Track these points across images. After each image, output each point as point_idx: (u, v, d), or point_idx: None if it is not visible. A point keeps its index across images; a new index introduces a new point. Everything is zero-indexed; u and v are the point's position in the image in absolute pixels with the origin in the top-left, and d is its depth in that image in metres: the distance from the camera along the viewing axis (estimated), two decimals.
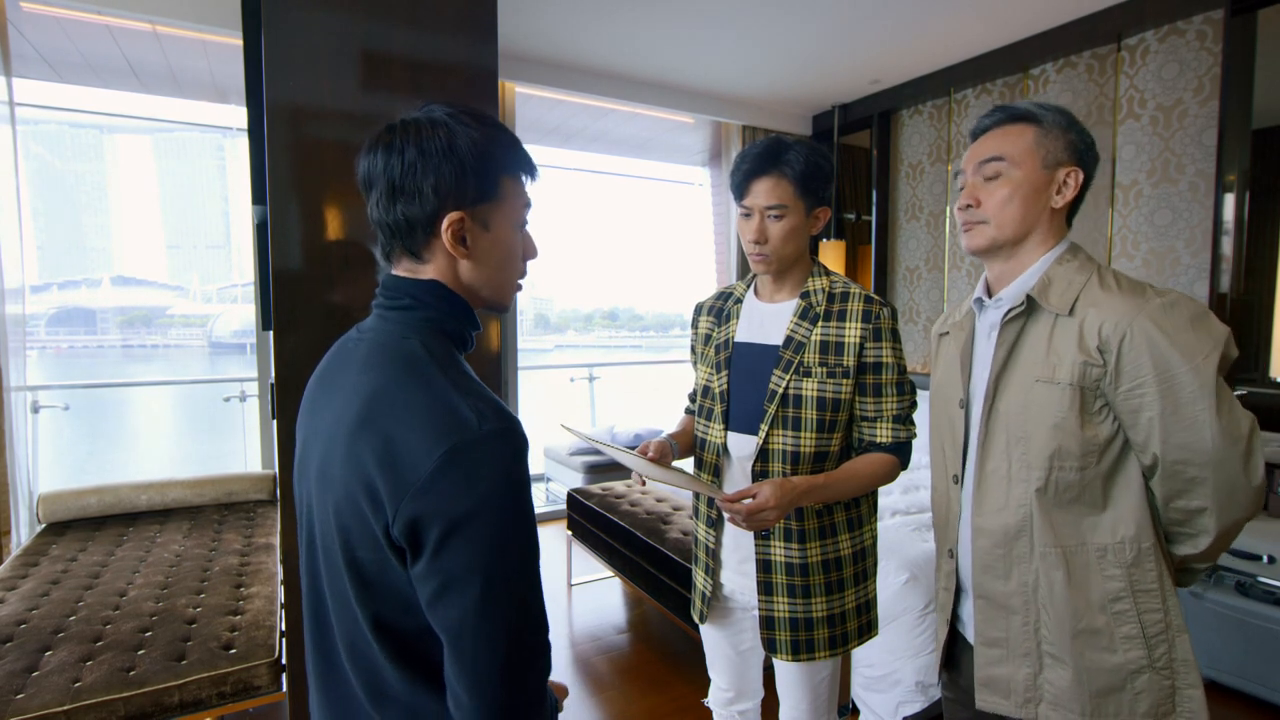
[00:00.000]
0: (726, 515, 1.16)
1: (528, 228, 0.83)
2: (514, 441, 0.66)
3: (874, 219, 4.44)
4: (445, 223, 0.72)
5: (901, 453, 1.26)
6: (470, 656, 0.65)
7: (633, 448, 4.48)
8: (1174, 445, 0.91)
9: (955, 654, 1.18)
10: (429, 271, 0.76)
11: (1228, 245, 2.68)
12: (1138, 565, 0.96)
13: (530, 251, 0.84)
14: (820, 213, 1.26)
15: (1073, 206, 1.05)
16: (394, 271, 0.78)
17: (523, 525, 0.66)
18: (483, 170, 0.73)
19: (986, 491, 1.04)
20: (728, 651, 1.40)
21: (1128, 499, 0.98)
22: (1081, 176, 1.02)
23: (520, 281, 0.84)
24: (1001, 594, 1.03)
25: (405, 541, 0.64)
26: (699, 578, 1.40)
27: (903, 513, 2.65)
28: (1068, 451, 0.97)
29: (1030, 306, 1.02)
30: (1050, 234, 1.04)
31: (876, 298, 1.25)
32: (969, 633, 1.12)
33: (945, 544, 1.15)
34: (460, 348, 0.79)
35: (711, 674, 1.46)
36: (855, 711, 2.14)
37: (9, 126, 2.74)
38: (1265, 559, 2.22)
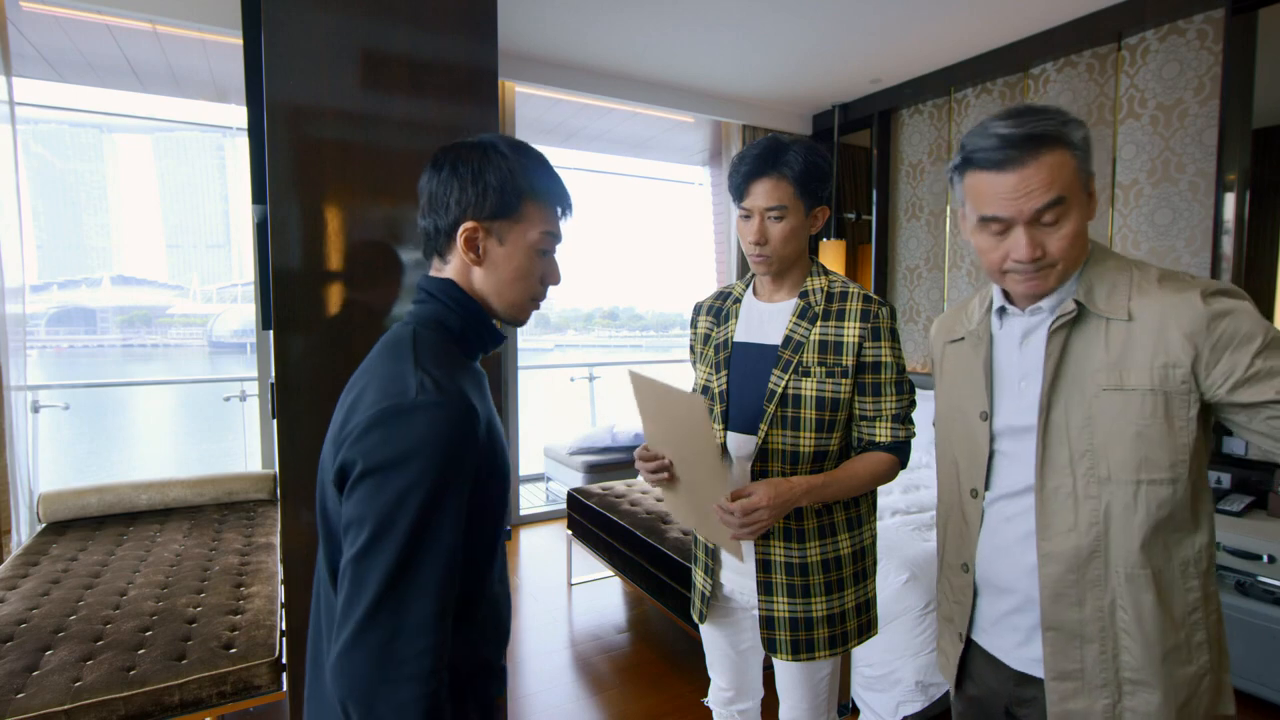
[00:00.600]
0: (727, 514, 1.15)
1: (553, 255, 0.90)
2: (445, 415, 0.70)
3: (874, 218, 4.44)
4: (461, 230, 0.83)
5: (901, 452, 1.25)
6: (342, 606, 0.68)
7: (635, 448, 4.48)
8: None
9: (967, 663, 1.13)
10: (447, 272, 0.87)
11: (1228, 245, 2.67)
12: (1210, 570, 0.94)
13: (551, 276, 0.90)
14: (819, 212, 1.26)
15: None
16: (430, 272, 0.89)
17: (433, 502, 0.68)
18: (504, 189, 0.83)
19: (1053, 512, 0.97)
20: (727, 651, 1.40)
21: (1207, 504, 0.94)
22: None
23: (537, 302, 0.92)
24: (1076, 622, 0.96)
25: (338, 481, 0.73)
26: (698, 577, 1.40)
27: (903, 512, 2.65)
28: (1155, 462, 0.90)
29: (1080, 313, 0.96)
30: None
31: (875, 297, 1.25)
32: (985, 642, 1.08)
33: (959, 558, 1.11)
34: (463, 346, 0.85)
35: (711, 673, 1.46)
36: (855, 711, 2.14)
37: (9, 126, 2.74)
38: (1265, 559, 2.22)
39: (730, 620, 1.38)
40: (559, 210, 0.89)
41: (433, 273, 0.88)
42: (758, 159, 1.22)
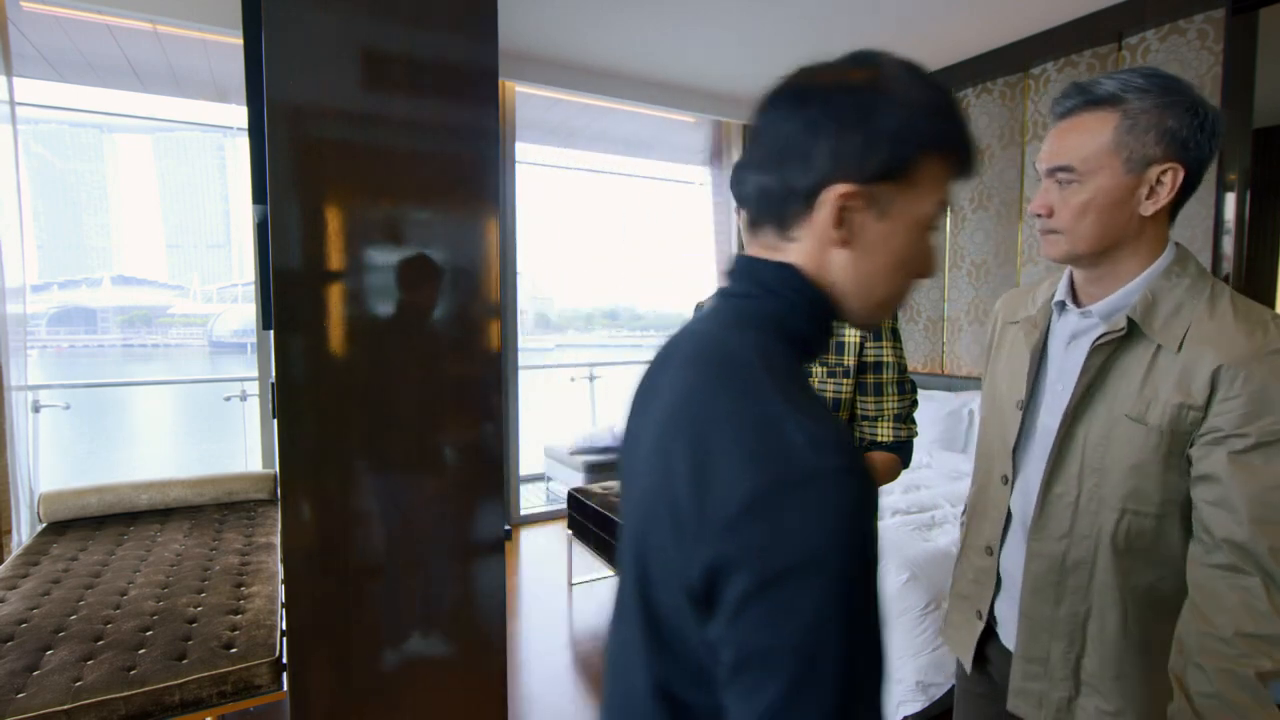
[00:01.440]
0: None
1: (931, 236, 0.62)
2: (859, 486, 0.47)
3: None
4: (830, 195, 0.55)
5: (903, 451, 1.26)
6: None
7: None
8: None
9: (986, 651, 1.12)
10: (790, 253, 0.60)
11: (1228, 244, 2.67)
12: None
13: (926, 267, 0.62)
14: None
15: (1175, 205, 0.89)
16: (749, 251, 0.64)
17: (863, 611, 0.46)
18: (899, 139, 0.55)
19: (1050, 516, 0.97)
20: None
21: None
22: (1182, 175, 0.84)
23: (904, 301, 0.65)
24: (1049, 619, 0.97)
25: (703, 590, 0.48)
26: None
27: (903, 512, 2.65)
28: (1145, 495, 0.88)
29: (1130, 332, 0.89)
30: (1147, 244, 0.89)
31: None
32: (1005, 638, 1.08)
33: (982, 539, 1.10)
34: (803, 355, 0.62)
35: None
36: None
37: (9, 126, 2.74)
38: None
39: None
40: (956, 172, 0.60)
41: (761, 253, 0.62)
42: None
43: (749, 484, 0.47)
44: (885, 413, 1.25)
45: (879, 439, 1.25)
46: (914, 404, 1.27)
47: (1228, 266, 2.68)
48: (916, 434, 1.27)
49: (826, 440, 0.48)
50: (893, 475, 1.26)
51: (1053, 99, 0.94)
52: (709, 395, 0.53)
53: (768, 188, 0.59)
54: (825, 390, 1.22)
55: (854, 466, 0.47)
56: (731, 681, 0.47)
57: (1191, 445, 0.85)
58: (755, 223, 0.62)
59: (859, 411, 1.26)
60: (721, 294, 0.64)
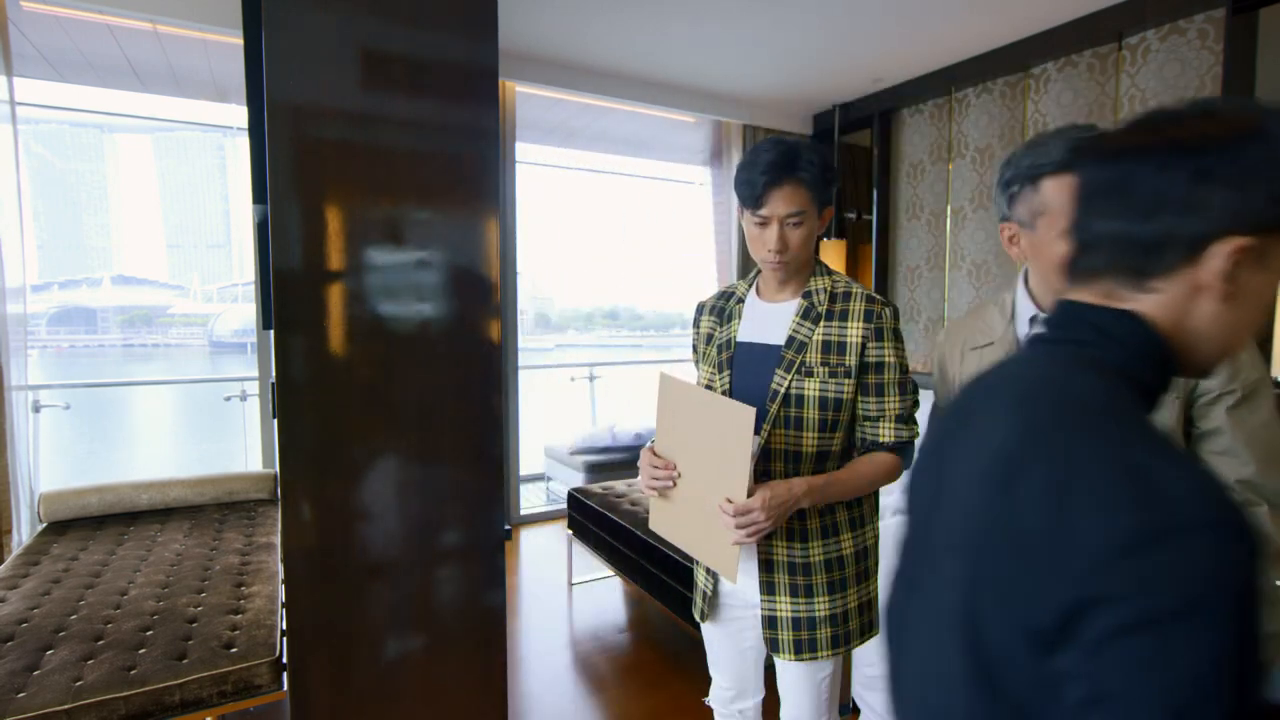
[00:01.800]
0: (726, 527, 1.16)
1: None
2: (1250, 541, 0.45)
3: (874, 218, 4.44)
4: (1225, 247, 0.54)
5: (904, 452, 1.26)
6: None
7: (636, 447, 4.47)
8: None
9: None
10: (1143, 303, 0.58)
11: None
12: None
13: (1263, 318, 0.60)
14: (827, 212, 1.27)
15: None
16: (1074, 297, 0.62)
17: (1245, 675, 0.43)
18: None
19: None
20: (729, 649, 1.41)
21: None
22: None
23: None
24: None
25: (1055, 624, 0.48)
26: (700, 576, 1.41)
27: (904, 512, 2.65)
28: None
29: None
30: None
31: (878, 297, 1.25)
32: None
33: None
34: (1148, 404, 0.61)
35: (713, 672, 1.46)
36: (856, 710, 2.14)
37: (10, 126, 2.74)
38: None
39: (731, 619, 1.38)
40: None
41: (1093, 299, 0.61)
42: (776, 167, 1.20)
43: (1125, 525, 0.46)
44: (887, 413, 1.25)
45: (880, 439, 1.25)
46: (916, 404, 1.28)
47: None
48: (919, 434, 1.27)
49: (1211, 491, 0.47)
50: (893, 476, 1.26)
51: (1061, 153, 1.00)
52: (1063, 437, 0.52)
53: (1133, 237, 0.57)
54: (827, 391, 1.22)
55: (1244, 520, 0.46)
56: (1077, 707, 0.46)
57: (1190, 409, 1.01)
58: (1092, 270, 0.61)
59: (860, 412, 1.26)
60: (1045, 340, 0.63)
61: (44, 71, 3.31)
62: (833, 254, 4.55)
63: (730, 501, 1.12)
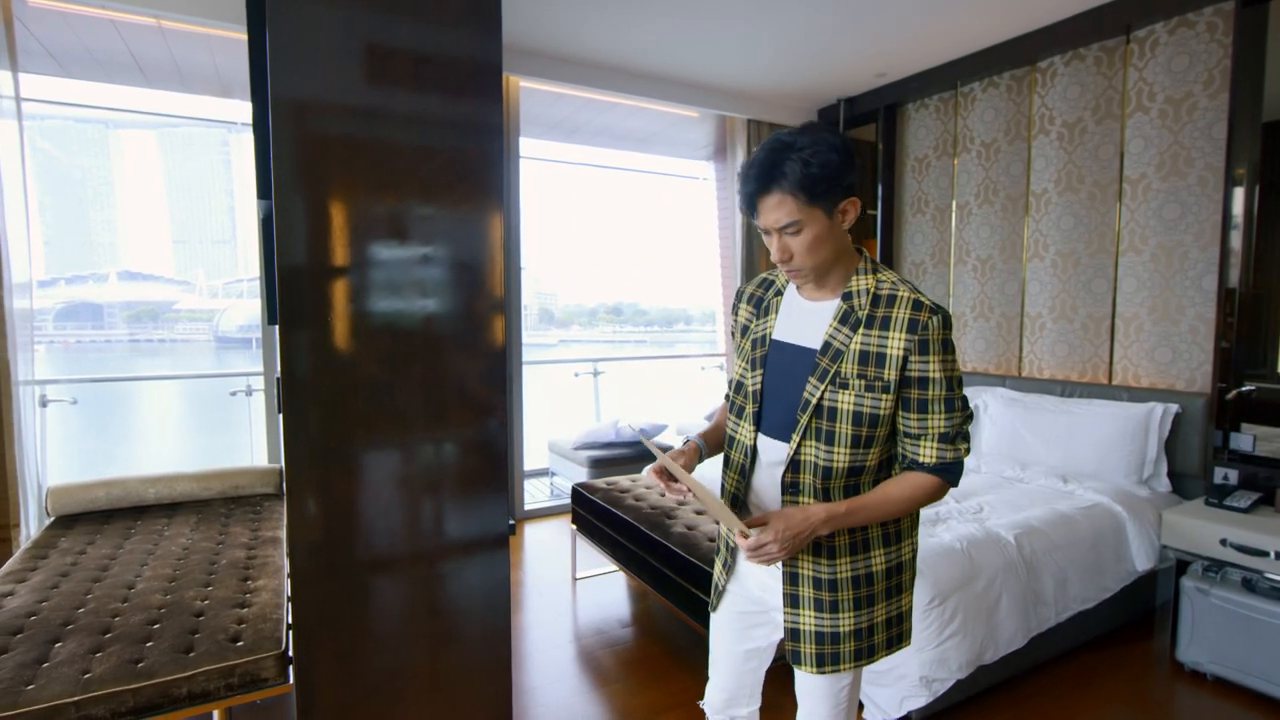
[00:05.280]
0: (739, 546, 1.13)
1: None
2: None
3: (879, 213, 4.42)
4: None
5: (949, 473, 1.14)
6: None
7: (638, 443, 4.45)
8: None
9: None
10: None
11: (1237, 239, 2.66)
12: None
13: None
14: (847, 206, 1.12)
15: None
16: None
17: None
18: None
19: None
20: (731, 648, 1.36)
21: None
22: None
23: None
24: None
25: None
26: (717, 569, 1.37)
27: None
28: None
29: None
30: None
31: (927, 302, 1.12)
32: None
33: None
34: None
35: (711, 671, 1.41)
36: (859, 706, 2.15)
37: (16, 122, 2.75)
38: (1273, 555, 2.21)
39: (740, 613, 1.33)
40: None
41: None
42: (757, 176, 1.10)
43: None
44: (930, 432, 1.13)
45: (920, 460, 1.14)
46: (965, 421, 1.14)
47: (1236, 262, 2.66)
48: (968, 452, 1.15)
49: None
50: (933, 498, 1.16)
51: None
52: None
53: None
54: (863, 405, 1.12)
55: None
56: None
57: None
58: None
59: (901, 428, 1.15)
60: None
61: (49, 67, 3.32)
62: None
63: (744, 536, 1.09)
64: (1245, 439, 2.62)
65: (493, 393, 1.70)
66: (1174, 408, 2.88)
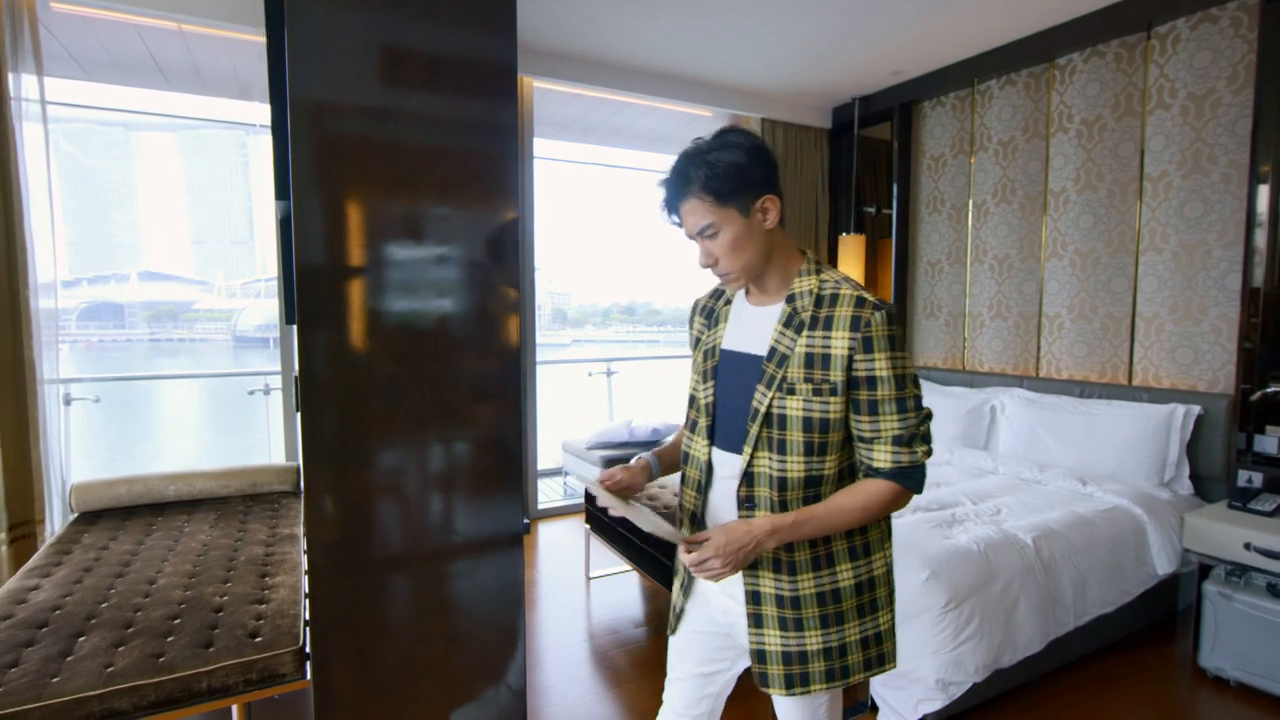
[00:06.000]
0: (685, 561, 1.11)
1: None
2: None
3: (894, 212, 4.39)
4: None
5: (906, 478, 1.08)
6: None
7: (653, 442, 4.47)
8: None
9: None
10: None
11: (1261, 238, 2.61)
12: None
13: None
14: (766, 204, 1.10)
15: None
16: None
17: None
18: None
19: None
20: (691, 669, 1.28)
21: None
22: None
23: None
24: None
25: None
26: (675, 590, 1.32)
27: (923, 509, 2.62)
28: None
29: None
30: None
31: (870, 298, 1.07)
32: None
33: None
34: None
35: (665, 696, 1.33)
36: (874, 708, 2.13)
37: (41, 125, 2.80)
38: None
39: (702, 634, 1.27)
40: None
41: None
42: (670, 184, 1.12)
43: None
44: (883, 434, 1.07)
45: (875, 465, 1.08)
46: (922, 421, 1.09)
47: (1260, 260, 2.61)
48: (929, 455, 1.10)
49: None
50: (894, 506, 1.10)
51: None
52: None
53: None
54: (811, 410, 1.08)
55: None
56: None
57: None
58: None
59: (854, 432, 1.11)
60: None
61: (72, 71, 3.38)
62: (852, 249, 4.51)
63: (687, 550, 1.09)
64: (1270, 441, 2.57)
65: (507, 392, 1.70)
66: (1196, 409, 2.84)
